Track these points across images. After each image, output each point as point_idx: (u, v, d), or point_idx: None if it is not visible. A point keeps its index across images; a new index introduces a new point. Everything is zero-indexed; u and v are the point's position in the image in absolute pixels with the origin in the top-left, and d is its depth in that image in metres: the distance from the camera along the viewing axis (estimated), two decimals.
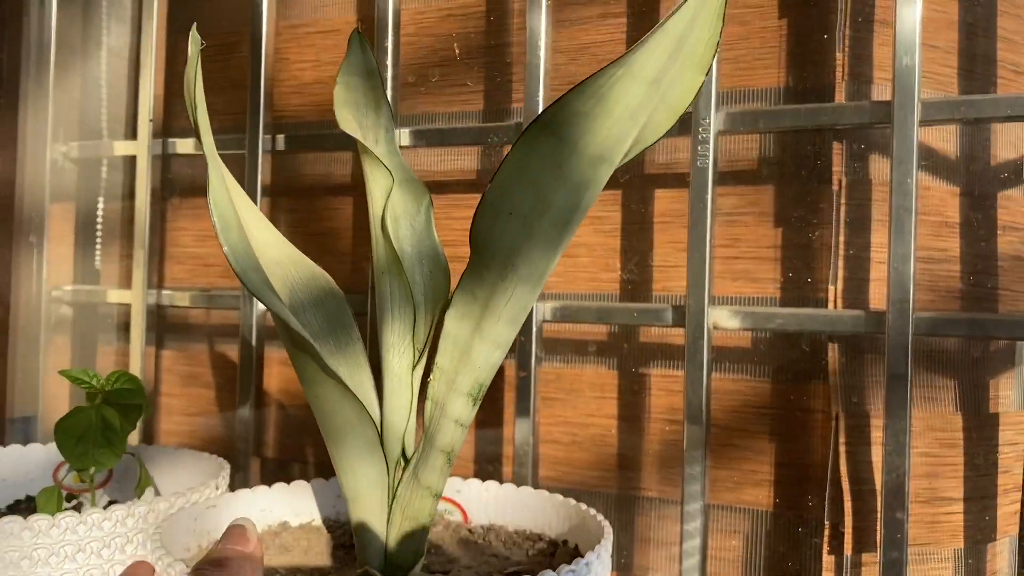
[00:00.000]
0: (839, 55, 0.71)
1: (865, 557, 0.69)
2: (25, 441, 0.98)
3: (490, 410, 0.84)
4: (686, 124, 0.70)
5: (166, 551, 0.49)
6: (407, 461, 0.54)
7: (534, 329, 0.75)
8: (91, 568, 0.57)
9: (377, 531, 0.53)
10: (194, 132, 0.53)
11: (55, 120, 0.99)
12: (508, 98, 0.84)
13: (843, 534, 0.69)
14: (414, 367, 0.55)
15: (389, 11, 0.82)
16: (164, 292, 0.94)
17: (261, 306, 0.87)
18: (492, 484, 0.67)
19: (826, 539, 0.70)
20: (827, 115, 0.68)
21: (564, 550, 0.60)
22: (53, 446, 0.80)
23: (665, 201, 0.79)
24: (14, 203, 0.98)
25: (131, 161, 1.01)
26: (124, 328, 1.03)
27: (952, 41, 0.73)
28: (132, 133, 1.03)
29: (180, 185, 1.00)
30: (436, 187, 0.87)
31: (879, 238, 0.70)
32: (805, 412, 0.73)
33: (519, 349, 0.76)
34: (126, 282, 1.03)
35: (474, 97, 0.86)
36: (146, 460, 0.75)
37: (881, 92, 0.71)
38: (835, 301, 0.70)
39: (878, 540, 0.67)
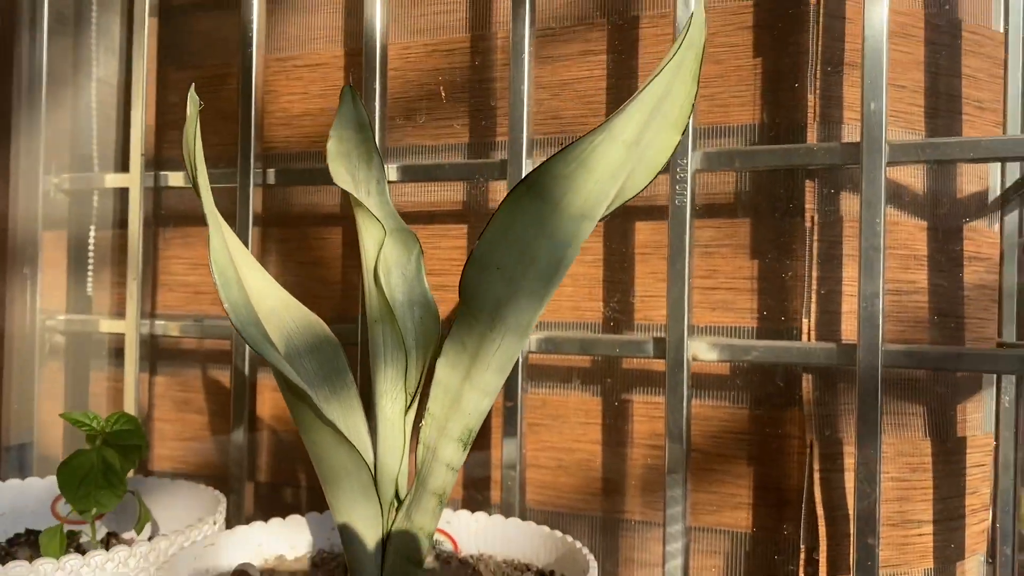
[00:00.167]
0: (811, 96, 0.73)
1: None
2: (20, 468, 1.00)
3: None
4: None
5: None
6: (400, 502, 0.56)
7: (520, 360, 0.78)
8: None
9: (372, 571, 0.56)
10: (192, 187, 0.55)
11: (47, 151, 1.00)
12: (493, 131, 0.87)
13: (817, 559, 0.72)
14: (406, 412, 0.57)
15: (377, 46, 0.84)
16: (157, 322, 0.96)
17: None
18: (481, 515, 0.69)
19: (802, 563, 0.73)
20: (799, 156, 0.70)
21: None
22: (51, 479, 0.82)
23: (645, 233, 0.81)
24: (7, 235, 0.99)
25: (122, 189, 1.03)
26: (116, 354, 1.05)
27: (918, 81, 0.76)
28: (122, 163, 1.04)
29: (171, 214, 1.02)
30: (423, 217, 0.89)
31: (850, 272, 0.73)
32: (781, 438, 0.76)
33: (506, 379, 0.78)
34: (118, 308, 1.04)
35: (460, 130, 0.88)
36: (142, 492, 0.77)
37: (851, 132, 0.74)
38: (808, 333, 0.73)
39: (851, 564, 0.70)
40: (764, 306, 0.77)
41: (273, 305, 0.58)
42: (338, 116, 0.61)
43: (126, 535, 0.80)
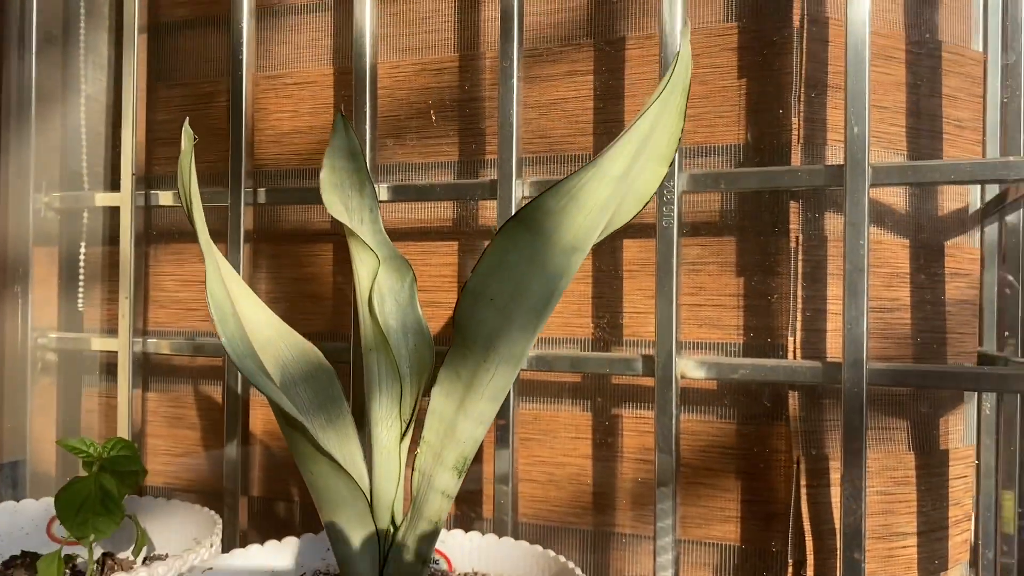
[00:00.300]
0: (795, 119, 0.75)
1: None
2: (13, 486, 1.00)
3: None
4: None
5: None
6: (396, 528, 0.57)
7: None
8: None
9: None
10: (188, 220, 0.56)
11: (37, 170, 1.00)
12: (482, 150, 0.88)
13: (804, 572, 0.73)
14: (401, 439, 0.58)
15: (367, 65, 0.85)
16: (150, 340, 0.97)
17: None
18: (475, 535, 0.70)
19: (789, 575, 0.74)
20: (784, 178, 0.72)
21: None
22: (45, 501, 0.83)
23: (633, 251, 0.83)
24: None
25: (112, 207, 1.03)
26: (108, 370, 1.05)
27: (900, 101, 0.77)
28: (112, 180, 1.05)
29: (162, 231, 1.03)
30: (412, 234, 0.90)
31: (835, 291, 0.75)
32: (768, 453, 0.77)
33: None
34: (109, 326, 1.05)
35: (448, 149, 0.89)
36: (137, 512, 0.78)
37: (834, 153, 0.75)
38: (794, 351, 0.75)
39: None
40: (750, 323, 0.78)
41: (269, 335, 0.59)
42: (330, 145, 0.61)
43: (121, 555, 0.80)
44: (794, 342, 0.75)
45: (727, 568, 0.79)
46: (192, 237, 1.02)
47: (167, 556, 0.78)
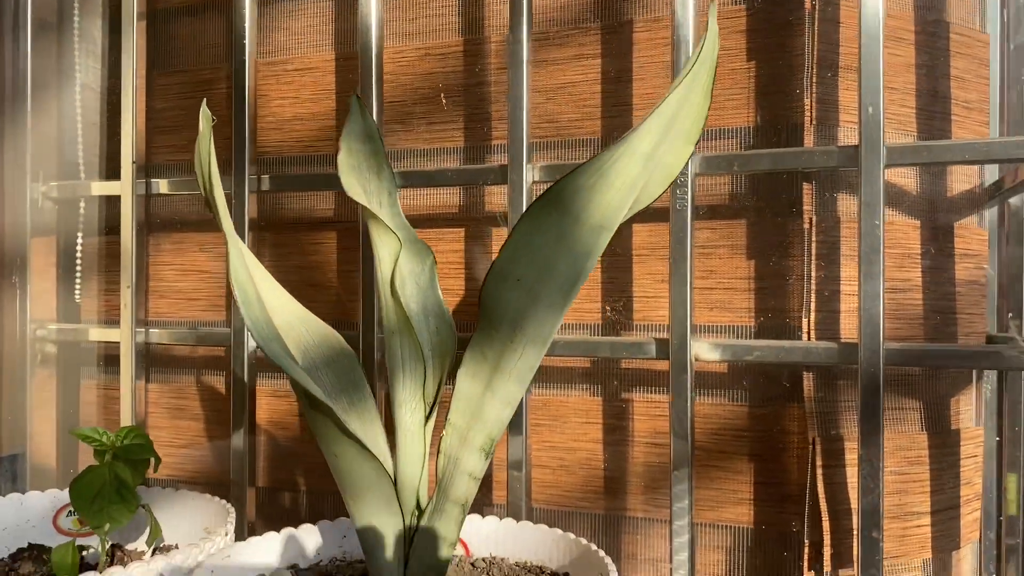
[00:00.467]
0: (807, 100, 0.75)
1: (842, 572, 0.74)
2: (13, 479, 0.99)
3: None
4: None
5: None
6: (421, 512, 0.57)
7: None
8: None
9: None
10: (206, 203, 0.55)
11: (34, 159, 0.99)
12: (489, 136, 0.87)
13: (822, 552, 0.73)
14: (425, 422, 0.57)
15: (372, 50, 0.84)
16: (152, 330, 0.95)
17: (253, 342, 0.89)
18: (492, 519, 0.70)
19: (806, 557, 0.74)
20: (797, 159, 0.72)
21: None
22: (51, 493, 0.81)
23: (643, 235, 0.82)
24: None
25: (109, 196, 1.02)
26: (108, 362, 1.04)
27: (909, 83, 0.78)
28: (109, 169, 1.03)
29: (161, 220, 1.01)
30: (420, 221, 0.89)
31: (849, 272, 0.75)
32: (781, 434, 0.78)
33: None
34: (107, 316, 1.03)
35: (455, 134, 0.89)
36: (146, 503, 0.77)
37: (847, 134, 0.75)
38: (808, 332, 0.75)
39: (855, 557, 0.71)
40: (762, 305, 0.78)
41: (289, 319, 0.58)
42: (346, 128, 0.61)
43: (129, 547, 0.79)
44: (808, 323, 0.75)
45: (740, 550, 0.79)
46: (192, 227, 1.00)
47: (176, 547, 0.78)
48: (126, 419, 0.93)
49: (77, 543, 0.70)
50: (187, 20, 1.02)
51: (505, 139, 0.86)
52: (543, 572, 0.66)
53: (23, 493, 0.80)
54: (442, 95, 0.88)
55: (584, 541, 0.64)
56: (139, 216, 0.96)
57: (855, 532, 0.72)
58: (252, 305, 0.50)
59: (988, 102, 0.81)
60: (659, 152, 0.52)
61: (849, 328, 0.75)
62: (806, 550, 0.74)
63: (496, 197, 0.87)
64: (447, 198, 0.89)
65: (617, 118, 0.83)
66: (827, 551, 0.73)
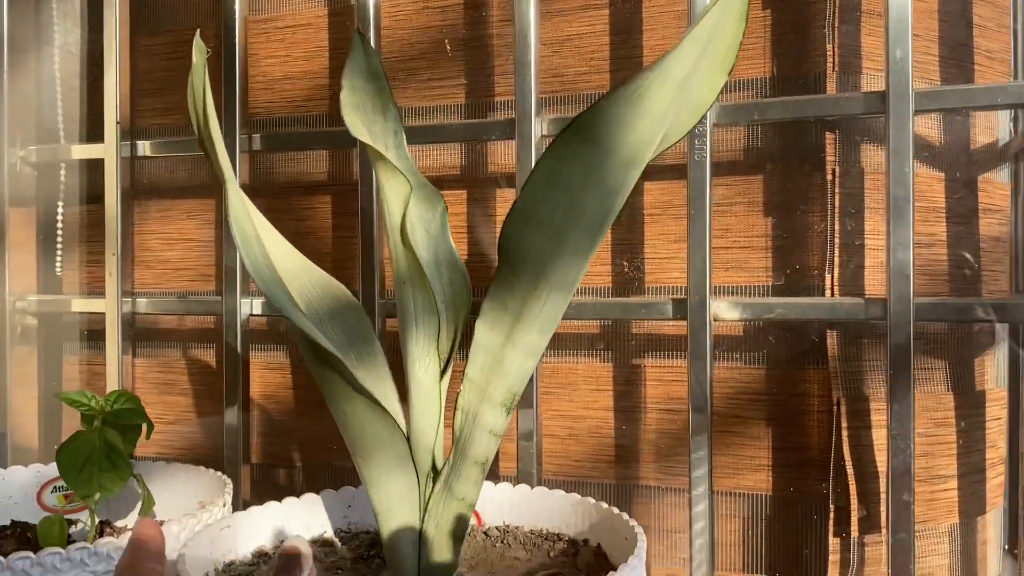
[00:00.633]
0: (829, 46, 0.71)
1: (868, 538, 0.71)
2: None
3: None
4: None
5: None
6: (437, 473, 0.53)
7: None
8: None
9: (410, 545, 0.52)
10: (200, 144, 0.51)
11: (11, 124, 0.94)
12: (491, 91, 0.83)
13: (849, 517, 0.70)
14: (440, 377, 0.54)
15: (369, 2, 0.80)
16: (139, 300, 0.91)
17: (246, 310, 0.85)
18: (505, 486, 0.67)
19: (831, 522, 0.71)
20: (821, 106, 0.68)
21: (587, 549, 0.60)
22: (34, 468, 0.77)
23: (654, 194, 0.79)
24: None
25: (89, 163, 0.97)
26: (90, 336, 1.00)
27: (932, 30, 0.74)
28: (90, 134, 0.99)
29: (146, 187, 0.97)
30: None
31: (873, 225, 0.72)
32: (800, 397, 0.74)
33: None
34: (89, 288, 0.99)
35: (455, 91, 0.85)
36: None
37: (870, 82, 0.72)
38: (832, 289, 0.71)
39: (883, 521, 0.68)
40: (780, 264, 0.75)
41: (291, 268, 0.54)
42: (348, 65, 0.57)
43: (119, 523, 0.75)
44: (831, 279, 0.71)
45: (759, 518, 0.76)
46: (179, 193, 0.96)
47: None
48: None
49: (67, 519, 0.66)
50: None
51: (508, 95, 0.82)
52: (560, 539, 0.63)
53: (4, 468, 0.76)
54: (446, 42, 0.84)
55: (605, 505, 0.60)
56: (123, 183, 0.92)
57: (883, 495, 0.69)
58: (251, 244, 0.46)
59: (1010, 51, 0.79)
60: (691, 81, 0.48)
61: (873, 284, 0.72)
62: (831, 515, 0.71)
63: (499, 157, 0.83)
64: (448, 159, 0.85)
65: (626, 71, 0.79)
66: (854, 516, 0.70)
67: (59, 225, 0.99)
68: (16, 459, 0.95)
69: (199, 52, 0.50)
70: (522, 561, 0.60)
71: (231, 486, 0.68)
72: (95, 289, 0.99)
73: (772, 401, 0.75)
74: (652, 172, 0.79)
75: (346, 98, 0.55)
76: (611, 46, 0.80)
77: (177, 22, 0.96)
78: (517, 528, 0.65)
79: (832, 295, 0.72)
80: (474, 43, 0.84)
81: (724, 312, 0.71)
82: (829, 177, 0.72)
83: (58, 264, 1.00)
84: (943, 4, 0.75)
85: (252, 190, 0.91)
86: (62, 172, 0.99)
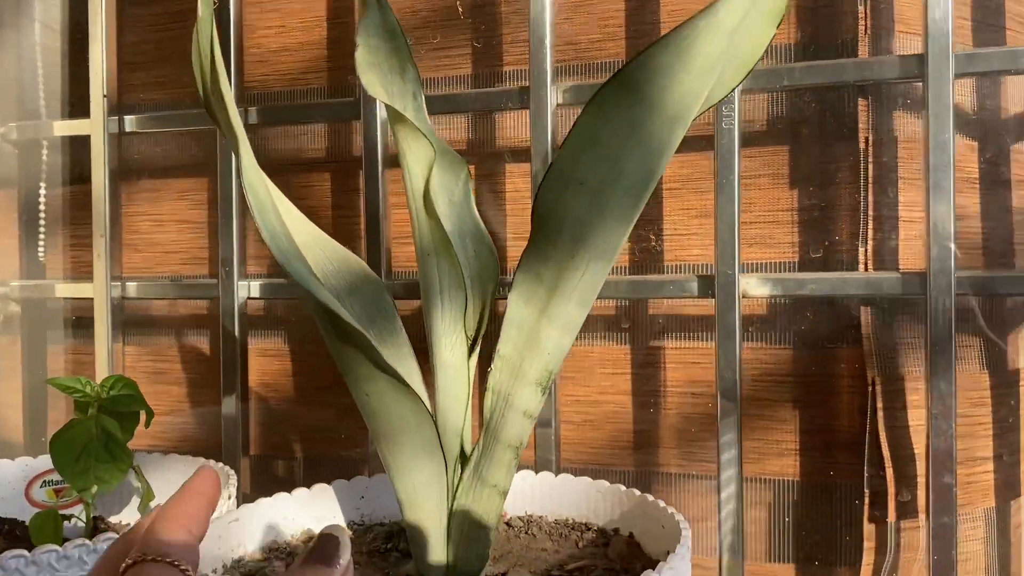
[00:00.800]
0: (861, 8, 0.68)
1: (904, 523, 0.68)
2: None
3: None
4: None
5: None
6: (466, 459, 0.49)
7: None
8: None
9: (437, 536, 0.49)
10: (205, 106, 0.47)
11: None
12: (499, 61, 0.79)
13: (884, 502, 0.67)
14: (468, 356, 0.50)
15: None
16: (128, 284, 0.86)
17: (243, 294, 0.81)
18: (527, 473, 0.63)
19: (867, 507, 0.68)
20: (855, 71, 0.65)
21: (619, 539, 0.57)
22: (21, 461, 0.73)
23: (674, 167, 0.75)
24: None
25: (72, 142, 0.92)
26: (75, 324, 0.95)
27: None
28: (72, 111, 0.94)
29: (134, 166, 0.92)
30: None
31: (908, 196, 0.68)
32: (829, 378, 0.71)
33: None
34: (73, 273, 0.94)
35: (460, 60, 0.81)
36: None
37: (903, 45, 0.69)
38: (866, 263, 0.68)
39: (921, 505, 0.66)
40: (807, 238, 0.71)
41: (304, 240, 0.50)
42: (362, 24, 0.53)
43: (113, 519, 0.71)
44: (865, 253, 0.68)
45: (785, 505, 0.73)
46: (170, 172, 0.91)
47: None
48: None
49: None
50: None
51: (517, 65, 0.78)
52: (589, 529, 0.59)
53: None
54: (437, 5, 0.80)
55: (637, 492, 0.57)
56: (110, 162, 0.87)
57: (922, 479, 0.66)
58: (267, 212, 0.42)
59: None
60: (740, 31, 0.44)
61: (908, 258, 0.69)
62: (866, 500, 0.68)
63: (508, 131, 0.80)
64: (453, 134, 0.81)
65: (643, 39, 0.76)
66: (891, 501, 0.67)
67: (41, 208, 0.94)
68: (0, 453, 0.90)
69: (205, 3, 0.45)
70: (549, 552, 0.57)
71: (235, 478, 0.64)
72: (79, 274, 0.94)
73: (799, 383, 0.72)
74: None
75: (362, 57, 0.51)
76: (627, 12, 0.76)
77: None
78: (541, 518, 0.62)
79: (866, 270, 0.68)
80: (482, 10, 0.80)
81: (753, 289, 0.67)
82: (862, 146, 0.68)
83: (40, 248, 0.95)
84: None
85: None
86: (44, 151, 0.94)
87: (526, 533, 0.59)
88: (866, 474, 0.68)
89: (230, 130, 0.43)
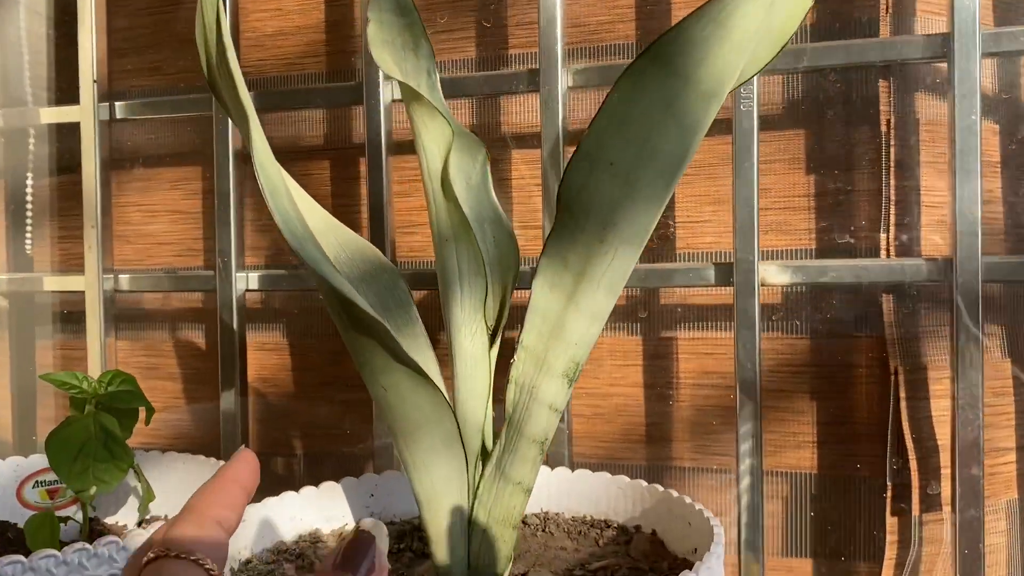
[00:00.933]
0: None
1: (927, 516, 0.66)
2: None
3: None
4: None
5: None
6: (487, 454, 0.47)
7: None
8: None
9: (458, 535, 0.46)
10: (210, 84, 0.44)
11: None
12: (504, 44, 0.77)
13: (907, 494, 0.65)
14: (490, 347, 0.47)
15: None
16: (120, 276, 0.84)
17: (241, 286, 0.78)
18: (543, 468, 0.61)
19: (889, 500, 0.66)
20: (877, 51, 0.63)
21: (642, 536, 0.55)
22: (13, 461, 0.70)
23: None
24: None
25: (60, 129, 0.89)
26: (64, 319, 0.92)
27: None
28: (60, 98, 0.91)
29: (125, 155, 0.89)
30: None
31: (930, 180, 0.67)
32: (848, 368, 0.69)
33: None
34: (62, 267, 0.91)
35: (464, 44, 0.78)
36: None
37: (925, 26, 0.67)
38: (887, 250, 0.66)
39: (945, 498, 0.64)
40: (825, 225, 0.70)
41: (316, 225, 0.48)
42: None
43: (109, 520, 0.68)
44: (887, 239, 0.66)
45: (802, 498, 0.71)
46: (162, 161, 0.88)
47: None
48: (95, 373, 0.81)
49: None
50: None
51: (523, 48, 0.76)
52: (609, 526, 0.57)
53: None
54: None
55: (660, 488, 0.55)
56: (101, 150, 0.84)
57: (947, 471, 0.64)
58: (280, 195, 0.40)
59: None
60: (777, 4, 0.42)
61: (931, 244, 0.67)
62: (888, 493, 0.66)
63: (513, 116, 0.77)
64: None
65: (653, 20, 0.73)
66: (915, 493, 0.65)
67: (28, 197, 0.91)
68: None
69: None
70: (569, 551, 0.55)
71: None
72: (68, 267, 0.91)
73: (817, 373, 0.70)
74: None
75: (374, 33, 0.49)
76: None
77: None
78: (558, 515, 0.59)
79: (887, 256, 0.66)
80: None
81: (773, 276, 0.65)
82: (883, 128, 0.67)
83: (28, 240, 0.92)
84: None
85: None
86: (31, 140, 0.91)
87: (543, 531, 0.57)
88: (889, 466, 0.66)
89: (239, 109, 0.41)
